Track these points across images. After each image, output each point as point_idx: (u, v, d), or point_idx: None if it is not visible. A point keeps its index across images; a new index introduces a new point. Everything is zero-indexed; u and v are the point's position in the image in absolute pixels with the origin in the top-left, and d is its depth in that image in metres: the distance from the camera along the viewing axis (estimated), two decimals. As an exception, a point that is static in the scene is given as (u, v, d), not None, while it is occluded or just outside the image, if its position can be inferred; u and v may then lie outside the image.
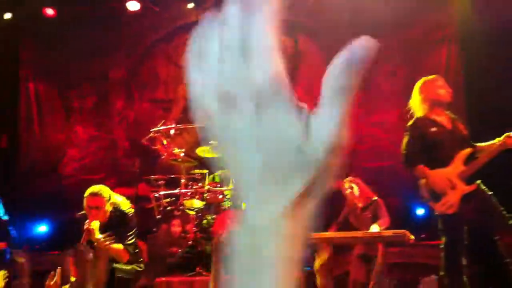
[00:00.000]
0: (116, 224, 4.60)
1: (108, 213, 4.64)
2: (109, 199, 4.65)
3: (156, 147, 7.08)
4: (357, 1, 7.54)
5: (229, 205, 6.78)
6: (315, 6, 7.81)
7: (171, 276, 5.84)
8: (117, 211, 4.69)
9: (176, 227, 6.82)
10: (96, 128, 8.67)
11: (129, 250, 4.56)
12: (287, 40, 8.55)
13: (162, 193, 7.11)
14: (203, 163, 7.27)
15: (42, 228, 8.22)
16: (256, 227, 0.50)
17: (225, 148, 0.53)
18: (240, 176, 0.53)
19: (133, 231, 4.69)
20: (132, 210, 4.85)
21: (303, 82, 8.45)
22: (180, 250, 6.50)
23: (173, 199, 7.13)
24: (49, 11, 8.22)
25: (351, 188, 6.04)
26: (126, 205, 4.83)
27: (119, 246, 4.47)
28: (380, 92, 7.86)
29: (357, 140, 7.70)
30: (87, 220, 4.46)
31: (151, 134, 7.08)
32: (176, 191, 7.06)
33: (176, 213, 6.74)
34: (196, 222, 6.65)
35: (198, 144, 7.81)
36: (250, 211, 0.51)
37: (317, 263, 4.99)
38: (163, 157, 7.12)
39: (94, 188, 4.65)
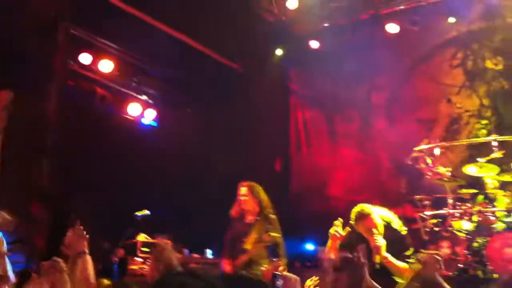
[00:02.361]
0: (390, 242, 4.49)
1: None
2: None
3: (420, 167, 6.98)
4: None
5: (502, 227, 6.27)
6: None
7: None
8: (389, 229, 4.63)
9: (445, 249, 6.55)
10: (360, 151, 8.95)
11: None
12: None
13: (428, 213, 6.96)
14: (470, 182, 6.91)
15: (309, 246, 8.70)
16: None
17: None
18: None
19: (410, 251, 4.49)
20: (405, 229, 4.74)
21: None
22: (450, 273, 6.22)
23: (439, 220, 6.91)
24: (314, 44, 8.87)
25: None
26: (398, 224, 4.75)
27: (404, 265, 4.34)
28: None
29: None
30: (375, 237, 4.42)
31: (415, 154, 7.02)
32: (443, 211, 6.83)
33: (445, 234, 6.49)
34: (466, 244, 6.31)
35: (463, 163, 7.45)
36: None
37: None
38: (427, 176, 6.97)
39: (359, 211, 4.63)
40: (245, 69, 9.10)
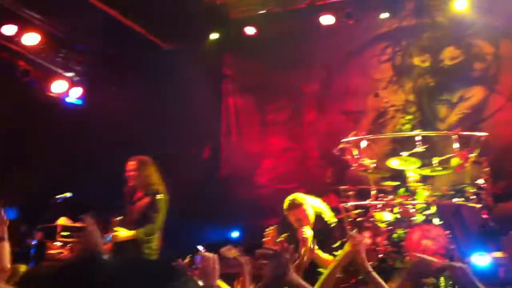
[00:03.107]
0: (319, 233, 4.55)
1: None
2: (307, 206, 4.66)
3: (346, 158, 7.12)
4: None
5: (421, 219, 6.53)
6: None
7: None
8: (320, 220, 4.66)
9: (366, 239, 6.74)
10: (289, 140, 9.02)
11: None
12: (487, 45, 8.01)
13: (351, 203, 7.13)
14: (393, 175, 7.13)
15: (235, 234, 8.67)
16: None
17: None
18: None
19: (338, 243, 4.55)
20: (335, 221, 4.79)
21: (505, 88, 7.83)
22: (370, 263, 6.40)
23: (362, 210, 7.09)
24: (250, 30, 8.81)
25: None
26: (329, 216, 4.80)
27: (330, 256, 4.39)
28: None
29: None
30: (303, 228, 4.44)
31: (342, 145, 7.15)
32: (366, 202, 7.02)
33: (367, 224, 6.68)
34: (387, 235, 6.52)
35: (387, 156, 7.69)
36: None
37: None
38: (352, 168, 7.13)
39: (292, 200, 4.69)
40: (177, 49, 8.90)
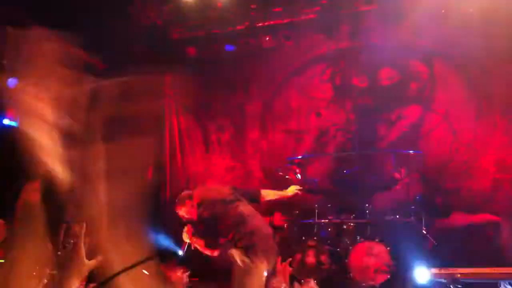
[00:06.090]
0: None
1: None
2: None
3: (289, 177, 7.18)
4: (494, 27, 7.11)
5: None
6: (450, 31, 7.51)
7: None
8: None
9: (311, 257, 6.81)
10: (232, 159, 9.02)
11: None
12: (421, 65, 8.33)
13: (295, 222, 7.21)
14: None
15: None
16: None
17: None
18: None
19: None
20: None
21: (440, 107, 8.14)
22: (315, 281, 6.46)
23: (306, 229, 7.17)
24: (190, 50, 8.80)
25: None
26: None
27: None
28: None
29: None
30: None
31: (286, 164, 7.23)
32: (310, 221, 7.11)
33: (311, 243, 6.74)
34: (330, 253, 6.62)
35: (330, 174, 7.84)
36: None
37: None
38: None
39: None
40: (116, 69, 8.72)
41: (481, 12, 6.98)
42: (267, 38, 8.35)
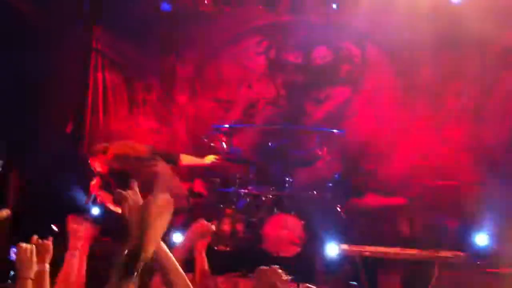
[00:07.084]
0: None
1: None
2: None
3: (213, 145, 7.12)
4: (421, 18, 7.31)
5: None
6: (383, 15, 7.64)
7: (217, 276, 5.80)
8: None
9: (226, 225, 6.81)
10: (157, 121, 8.80)
11: None
12: (354, 48, 8.46)
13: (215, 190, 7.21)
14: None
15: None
16: None
17: None
18: None
19: None
20: None
21: (367, 91, 8.34)
22: (228, 249, 6.49)
23: (224, 197, 7.17)
24: (124, 5, 8.41)
25: None
26: None
27: None
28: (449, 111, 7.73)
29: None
30: None
31: (211, 131, 7.17)
32: (230, 189, 7.11)
33: (227, 211, 6.74)
34: (246, 223, 6.65)
35: (254, 146, 7.87)
36: None
37: None
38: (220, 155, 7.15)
39: None
40: (40, 16, 8.20)
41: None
42: (206, 1, 8.12)
